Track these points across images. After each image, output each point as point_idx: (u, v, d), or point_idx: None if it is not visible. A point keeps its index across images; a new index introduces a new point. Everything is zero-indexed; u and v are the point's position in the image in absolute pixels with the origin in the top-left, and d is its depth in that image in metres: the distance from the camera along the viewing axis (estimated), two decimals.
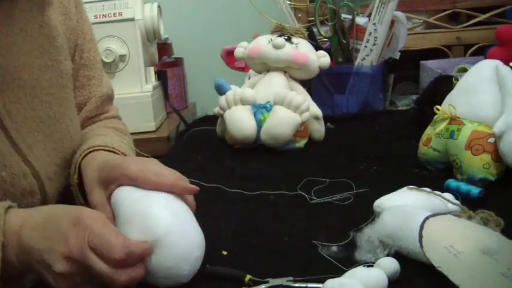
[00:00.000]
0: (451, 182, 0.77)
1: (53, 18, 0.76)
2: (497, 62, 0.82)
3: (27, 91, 0.69)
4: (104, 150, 0.74)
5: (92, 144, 0.75)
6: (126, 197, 0.62)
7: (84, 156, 0.73)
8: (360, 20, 1.28)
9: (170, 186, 0.62)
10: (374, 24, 1.22)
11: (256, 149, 1.04)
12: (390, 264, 0.55)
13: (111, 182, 0.65)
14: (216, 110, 1.10)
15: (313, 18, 1.33)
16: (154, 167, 0.64)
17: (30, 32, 0.71)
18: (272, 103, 1.03)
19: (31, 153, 0.69)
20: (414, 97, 1.29)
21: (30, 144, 0.70)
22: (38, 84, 0.71)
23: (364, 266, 0.56)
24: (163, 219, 0.58)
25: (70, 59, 0.80)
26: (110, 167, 0.66)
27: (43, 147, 0.72)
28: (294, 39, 1.13)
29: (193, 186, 0.64)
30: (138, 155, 0.83)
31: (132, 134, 0.96)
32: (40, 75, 0.72)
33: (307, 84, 1.27)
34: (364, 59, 1.26)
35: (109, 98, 0.90)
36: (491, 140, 0.77)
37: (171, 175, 0.64)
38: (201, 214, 0.64)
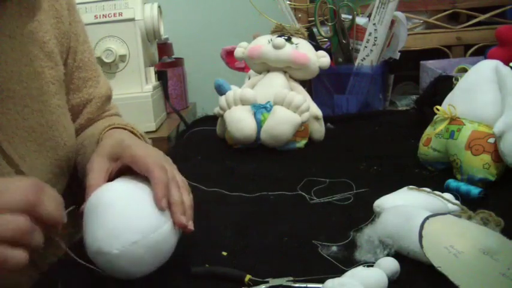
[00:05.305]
0: (451, 182, 0.77)
1: (44, 22, 0.74)
2: (497, 62, 0.82)
3: (17, 101, 0.67)
4: (124, 129, 0.74)
5: (111, 122, 0.75)
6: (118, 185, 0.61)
7: (104, 134, 0.73)
8: (360, 20, 1.28)
9: (160, 183, 0.58)
10: (374, 24, 1.22)
11: (256, 149, 1.04)
12: (390, 264, 0.55)
13: (117, 158, 0.63)
14: (216, 110, 1.10)
15: (313, 18, 1.33)
16: (163, 159, 0.63)
17: (19, 39, 0.69)
18: (272, 103, 1.03)
19: (24, 164, 0.68)
20: (414, 97, 1.29)
21: (22, 154, 0.68)
22: (28, 93, 0.69)
23: (364, 266, 0.56)
24: (114, 192, 0.58)
25: (62, 64, 0.78)
26: (124, 145, 0.64)
27: (36, 156, 0.70)
28: (294, 39, 1.13)
29: (182, 220, 0.58)
30: None
31: None
32: (30, 84, 0.70)
33: (307, 84, 1.27)
34: (364, 59, 1.26)
35: (108, 98, 0.90)
36: (491, 140, 0.77)
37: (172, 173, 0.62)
38: (201, 214, 0.64)
